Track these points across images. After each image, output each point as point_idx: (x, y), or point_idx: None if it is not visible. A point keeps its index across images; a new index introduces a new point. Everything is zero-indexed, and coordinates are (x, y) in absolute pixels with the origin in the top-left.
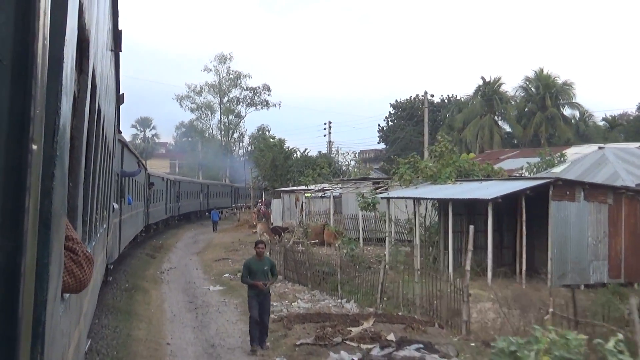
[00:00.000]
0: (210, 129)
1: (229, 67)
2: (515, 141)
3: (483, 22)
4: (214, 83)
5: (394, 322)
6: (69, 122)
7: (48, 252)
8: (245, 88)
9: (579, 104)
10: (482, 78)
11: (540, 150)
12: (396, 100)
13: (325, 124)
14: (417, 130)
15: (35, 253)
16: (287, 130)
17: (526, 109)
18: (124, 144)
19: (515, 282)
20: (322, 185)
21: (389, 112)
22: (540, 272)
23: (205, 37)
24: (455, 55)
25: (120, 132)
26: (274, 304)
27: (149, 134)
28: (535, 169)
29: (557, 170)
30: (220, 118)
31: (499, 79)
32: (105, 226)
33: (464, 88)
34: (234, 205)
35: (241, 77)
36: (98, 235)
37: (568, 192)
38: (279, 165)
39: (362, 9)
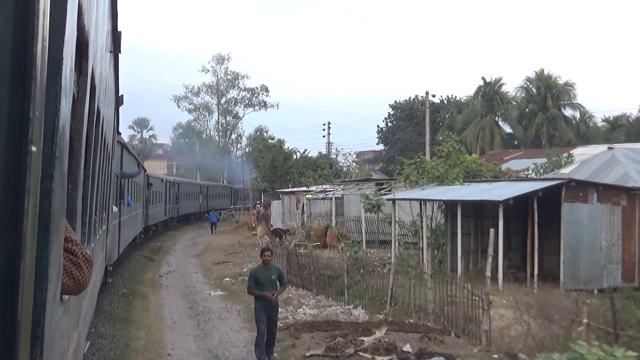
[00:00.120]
0: (208, 130)
1: (227, 67)
2: (516, 142)
3: (482, 23)
4: (211, 84)
5: (408, 331)
6: (68, 123)
7: (47, 253)
8: (243, 89)
9: (580, 105)
10: (483, 78)
11: (547, 151)
12: (395, 101)
13: (324, 124)
14: (416, 131)
15: (35, 254)
16: (286, 131)
17: (527, 110)
18: (123, 145)
19: (526, 286)
20: (324, 186)
21: (388, 113)
22: (550, 275)
23: (203, 39)
24: (455, 56)
25: (119, 133)
26: (279, 310)
27: (146, 134)
28: (542, 170)
29: (566, 171)
30: (218, 119)
31: (500, 79)
32: (104, 227)
33: (463, 89)
34: (232, 206)
35: (239, 77)
36: (97, 236)
37: (581, 194)
38: (278, 166)
39: (361, 10)
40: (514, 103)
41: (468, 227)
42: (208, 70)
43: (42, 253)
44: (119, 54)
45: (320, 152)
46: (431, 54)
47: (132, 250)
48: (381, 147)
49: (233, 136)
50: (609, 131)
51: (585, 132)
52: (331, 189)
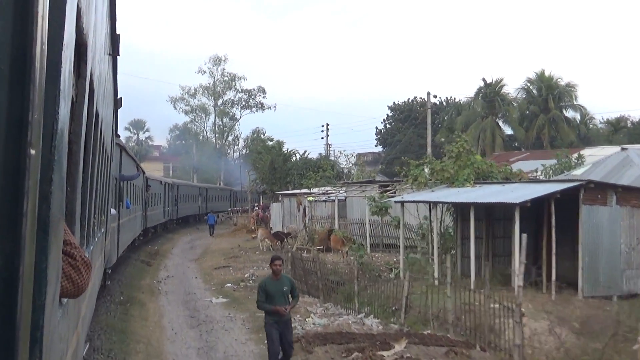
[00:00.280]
0: (205, 132)
1: (224, 69)
2: (517, 144)
3: (482, 24)
4: (208, 85)
5: (429, 344)
6: (67, 126)
7: (46, 256)
8: (240, 90)
9: (581, 106)
10: (483, 79)
11: (557, 152)
12: (394, 103)
13: (323, 126)
14: (416, 133)
15: (34, 257)
16: (283, 132)
17: (527, 112)
18: (122, 147)
19: (542, 293)
20: (325, 188)
21: (387, 114)
22: (564, 280)
23: (200, 40)
24: (455, 57)
25: (118, 136)
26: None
27: (142, 136)
28: (551, 172)
29: (578, 173)
30: (215, 120)
31: (501, 80)
32: (103, 230)
33: (462, 90)
34: (229, 209)
35: (236, 79)
36: (96, 239)
37: (600, 196)
38: (277, 167)
39: (360, 11)
40: (515, 104)
41: (479, 230)
42: (205, 72)
43: (41, 256)
44: (118, 57)
45: (320, 154)
46: (431, 55)
47: (129, 253)
48: (379, 148)
49: (230, 138)
50: (611, 133)
51: (585, 133)
52: (333, 191)
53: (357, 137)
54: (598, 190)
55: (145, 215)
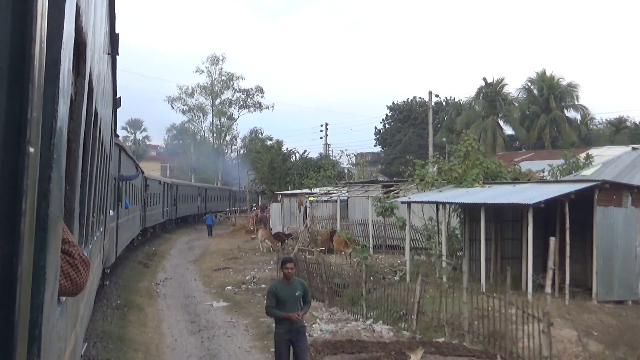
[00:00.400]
0: (202, 132)
1: (222, 68)
2: (518, 144)
3: (482, 23)
4: (206, 85)
5: (446, 354)
6: (66, 124)
7: (45, 254)
8: (237, 90)
9: (583, 106)
10: (484, 79)
11: (565, 152)
12: (393, 102)
13: (322, 125)
14: (416, 133)
15: (32, 256)
16: (282, 132)
17: (527, 112)
18: (121, 147)
19: (554, 297)
20: (327, 188)
21: (386, 114)
22: (574, 284)
23: (198, 40)
24: (454, 57)
25: (117, 135)
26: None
27: (139, 136)
28: (559, 172)
29: (588, 173)
30: (213, 120)
31: (502, 79)
32: (102, 229)
33: (463, 90)
34: (227, 209)
35: (234, 78)
36: (95, 238)
37: (615, 197)
38: (277, 167)
39: (358, 11)
40: (516, 104)
41: (487, 232)
42: (202, 71)
43: (39, 254)
44: (117, 56)
45: (320, 153)
46: (431, 55)
47: (126, 254)
48: (378, 149)
49: (227, 138)
50: (613, 133)
51: (586, 134)
52: (335, 191)
53: (356, 137)
54: (613, 191)
55: (144, 215)
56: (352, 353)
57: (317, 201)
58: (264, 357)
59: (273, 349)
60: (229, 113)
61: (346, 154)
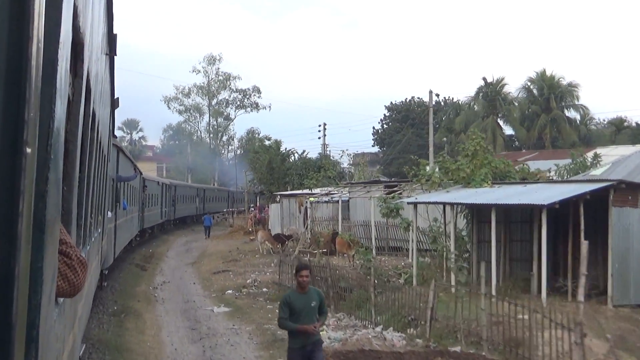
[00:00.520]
0: (199, 132)
1: (218, 68)
2: (518, 144)
3: (481, 23)
4: (202, 85)
5: None
6: (64, 125)
7: (42, 255)
8: (234, 90)
9: (584, 106)
10: (484, 79)
11: (572, 151)
12: (391, 102)
13: (319, 125)
14: (414, 133)
15: (29, 257)
16: (279, 132)
17: (528, 111)
18: (119, 148)
19: (567, 301)
20: (328, 188)
21: (384, 114)
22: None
23: (195, 41)
24: (453, 56)
25: (115, 136)
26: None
27: (135, 136)
28: (565, 172)
29: (597, 173)
30: (209, 120)
31: (502, 79)
32: (100, 230)
33: (462, 90)
34: (225, 210)
35: (230, 78)
36: (92, 239)
37: (630, 197)
38: (275, 167)
39: (356, 12)
40: (516, 104)
41: (496, 233)
42: (199, 71)
43: (36, 255)
44: (115, 57)
45: (320, 153)
46: (430, 54)
47: (124, 255)
48: (376, 149)
49: (224, 138)
50: (614, 133)
51: (585, 134)
52: (336, 192)
53: (355, 137)
54: (629, 191)
55: (142, 216)
56: None
57: (317, 202)
58: None
59: None
60: (225, 113)
61: (347, 154)
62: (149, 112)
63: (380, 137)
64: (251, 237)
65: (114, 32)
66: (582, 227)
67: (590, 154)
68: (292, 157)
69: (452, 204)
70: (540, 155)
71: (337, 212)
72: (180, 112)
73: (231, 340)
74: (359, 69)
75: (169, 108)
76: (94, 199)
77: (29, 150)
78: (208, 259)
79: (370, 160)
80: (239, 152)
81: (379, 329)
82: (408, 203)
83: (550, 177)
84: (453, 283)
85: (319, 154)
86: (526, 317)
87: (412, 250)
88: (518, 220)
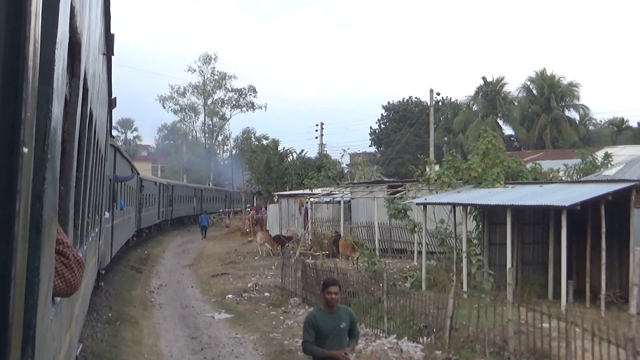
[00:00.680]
0: (194, 132)
1: (214, 67)
2: (518, 144)
3: (481, 22)
4: (198, 84)
5: None
6: (61, 125)
7: (39, 255)
8: (230, 89)
9: (584, 106)
10: (484, 78)
11: (582, 151)
12: (388, 102)
13: (317, 125)
14: (413, 133)
15: (26, 256)
16: (276, 132)
17: (528, 111)
18: (116, 148)
19: (585, 307)
20: (329, 189)
21: (381, 114)
22: (599, 292)
23: (190, 41)
24: (451, 56)
25: (112, 136)
26: None
27: (130, 135)
28: (575, 172)
29: (610, 173)
30: (205, 120)
31: (502, 79)
32: (97, 230)
33: (461, 89)
34: (221, 210)
35: (226, 78)
36: (89, 239)
37: None
38: (273, 167)
39: (351, 13)
40: (516, 104)
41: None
42: (194, 70)
43: (33, 255)
44: (112, 57)
45: (319, 153)
46: (428, 54)
47: (120, 254)
48: (373, 149)
49: (220, 138)
50: (615, 133)
51: (585, 134)
52: (337, 192)
53: (352, 137)
54: None
55: (139, 216)
56: None
57: (318, 202)
58: None
59: None
60: (221, 113)
61: (348, 153)
62: (144, 112)
63: (377, 137)
64: (249, 239)
65: (111, 31)
66: (604, 229)
67: (600, 154)
68: (291, 157)
69: (464, 205)
70: (546, 155)
71: (339, 213)
72: (175, 112)
73: (235, 351)
74: (356, 68)
75: (164, 107)
76: (91, 199)
77: (26, 150)
78: (206, 260)
79: (368, 160)
80: (234, 152)
81: (392, 338)
82: (417, 204)
83: (560, 177)
84: (464, 288)
85: (318, 153)
86: (546, 325)
87: (422, 252)
88: (530, 222)
